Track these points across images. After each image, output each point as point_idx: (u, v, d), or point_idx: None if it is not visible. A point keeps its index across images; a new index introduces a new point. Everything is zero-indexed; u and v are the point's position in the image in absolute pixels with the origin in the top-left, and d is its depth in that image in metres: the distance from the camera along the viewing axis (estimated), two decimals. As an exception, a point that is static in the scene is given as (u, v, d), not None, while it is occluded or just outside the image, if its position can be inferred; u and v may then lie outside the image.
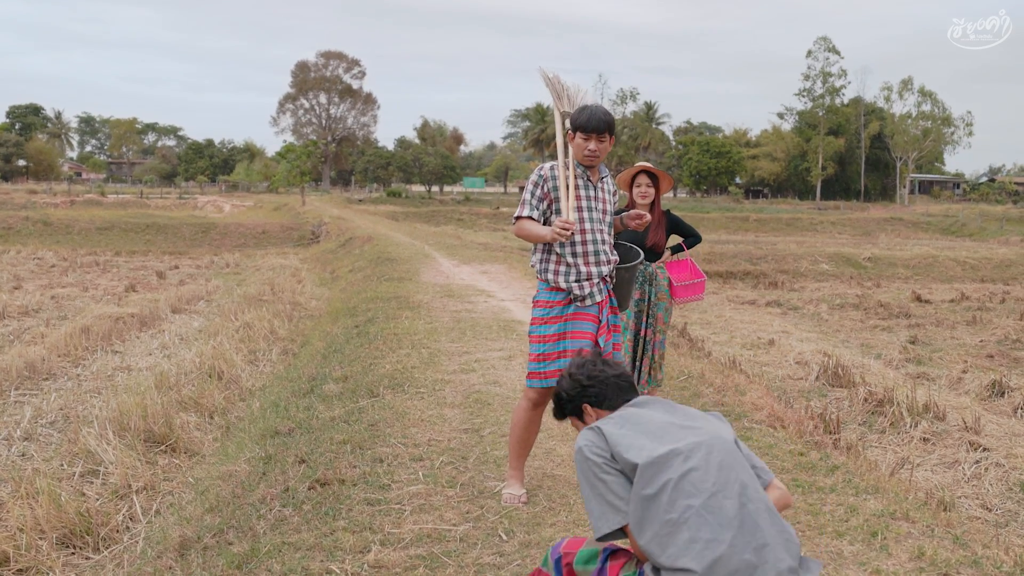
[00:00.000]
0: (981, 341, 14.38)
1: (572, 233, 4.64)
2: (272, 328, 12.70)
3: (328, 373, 8.47)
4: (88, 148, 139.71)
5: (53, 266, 25.60)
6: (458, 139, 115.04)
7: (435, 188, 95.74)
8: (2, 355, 11.08)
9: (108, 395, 8.99)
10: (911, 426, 7.93)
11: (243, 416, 8.21)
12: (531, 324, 4.87)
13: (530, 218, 4.83)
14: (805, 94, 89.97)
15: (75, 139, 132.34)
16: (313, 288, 18.89)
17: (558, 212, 4.83)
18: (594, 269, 4.81)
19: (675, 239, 7.41)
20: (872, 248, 37.49)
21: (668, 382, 7.91)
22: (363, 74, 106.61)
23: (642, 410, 3.03)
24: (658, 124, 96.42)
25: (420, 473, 5.27)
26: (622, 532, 2.80)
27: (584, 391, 3.15)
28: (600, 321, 4.82)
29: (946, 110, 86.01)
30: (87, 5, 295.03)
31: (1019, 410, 9.05)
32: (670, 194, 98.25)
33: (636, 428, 2.89)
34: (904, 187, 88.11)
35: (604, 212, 4.93)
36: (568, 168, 4.82)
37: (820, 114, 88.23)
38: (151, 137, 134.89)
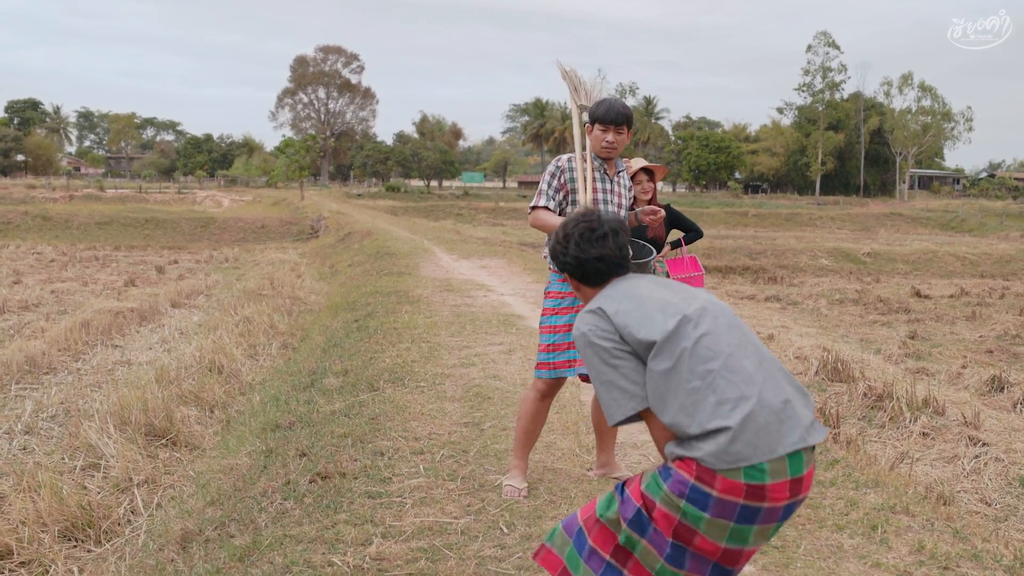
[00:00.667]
0: (980, 336, 14.40)
1: None
2: (272, 322, 12.71)
3: (328, 367, 8.48)
4: (87, 143, 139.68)
5: (52, 261, 25.61)
6: (457, 134, 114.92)
7: (434, 183, 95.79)
8: (2, 349, 11.09)
9: (109, 389, 9.00)
10: (910, 421, 7.93)
11: (243, 410, 8.22)
12: (542, 315, 4.87)
13: (546, 208, 4.85)
14: (805, 89, 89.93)
15: (73, 134, 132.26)
16: (312, 283, 18.89)
17: (574, 203, 4.85)
18: None
19: (675, 234, 7.42)
20: (872, 243, 37.52)
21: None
22: (362, 68, 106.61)
23: (634, 283, 2.91)
24: (657, 119, 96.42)
25: (421, 466, 5.28)
26: (636, 417, 2.74)
27: (564, 265, 3.01)
28: None
29: (946, 105, 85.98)
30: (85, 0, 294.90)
31: (1018, 405, 9.06)
32: (669, 189, 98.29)
33: (638, 305, 2.78)
34: (904, 182, 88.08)
35: (619, 206, 4.96)
36: (586, 160, 4.84)
37: (820, 109, 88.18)
38: (150, 132, 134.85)
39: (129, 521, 5.77)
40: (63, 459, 6.80)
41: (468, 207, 58.19)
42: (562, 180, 4.86)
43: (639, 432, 6.26)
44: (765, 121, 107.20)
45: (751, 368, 2.66)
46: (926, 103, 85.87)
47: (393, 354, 8.56)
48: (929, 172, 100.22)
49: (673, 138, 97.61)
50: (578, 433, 5.93)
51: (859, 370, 10.06)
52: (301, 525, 4.47)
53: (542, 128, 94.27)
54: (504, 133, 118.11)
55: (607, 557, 2.77)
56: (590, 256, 2.94)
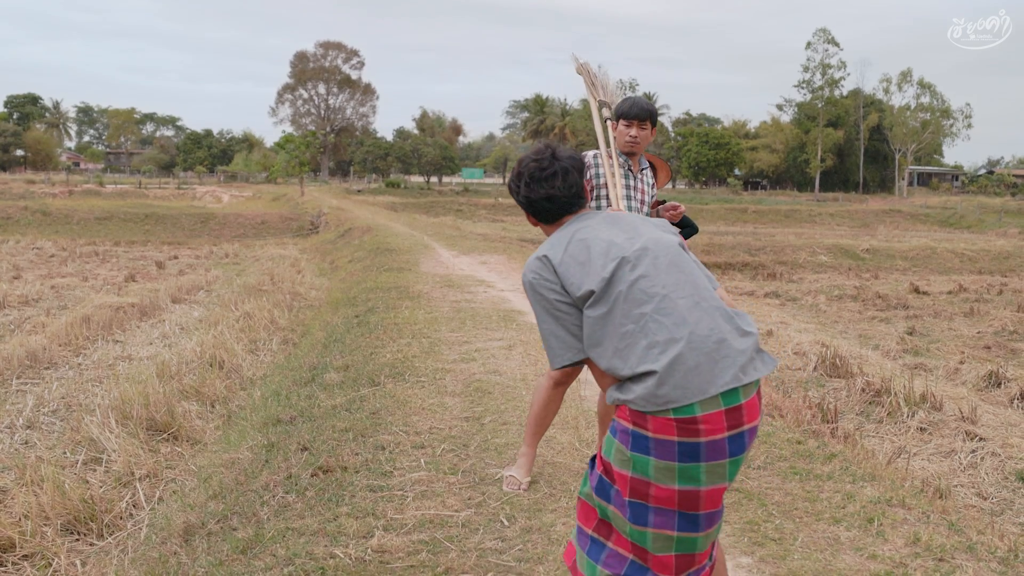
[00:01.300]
0: (978, 332, 14.44)
1: None
2: (272, 318, 12.74)
3: (329, 362, 8.52)
4: (86, 138, 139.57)
5: (52, 256, 25.63)
6: (457, 130, 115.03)
7: (434, 179, 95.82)
8: (3, 344, 11.12)
9: (110, 384, 9.03)
10: (908, 416, 7.97)
11: (244, 405, 8.26)
12: None
13: None
14: (804, 86, 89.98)
15: (73, 129, 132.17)
16: (313, 278, 18.92)
17: (597, 199, 4.90)
18: None
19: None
20: (870, 240, 37.56)
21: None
22: (362, 64, 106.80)
23: (588, 229, 2.89)
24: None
25: (422, 460, 5.32)
26: (580, 364, 2.79)
27: (517, 203, 3.05)
28: None
29: (945, 102, 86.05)
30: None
31: (1015, 400, 9.10)
32: (669, 185, 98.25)
33: (583, 251, 2.79)
34: (903, 179, 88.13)
35: (642, 203, 5.04)
36: (611, 157, 4.89)
37: (819, 106, 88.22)
38: (149, 127, 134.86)
39: (131, 515, 5.79)
40: (65, 453, 6.83)
41: (468, 203, 58.21)
42: (588, 176, 4.89)
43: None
44: (765, 118, 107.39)
45: (685, 309, 2.66)
46: (925, 100, 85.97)
47: (394, 349, 8.59)
48: (928, 169, 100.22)
49: (673, 134, 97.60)
50: (578, 427, 5.97)
51: (857, 366, 10.11)
52: (303, 518, 4.51)
53: (542, 124, 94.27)
54: (504, 129, 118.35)
55: (590, 532, 2.80)
56: (539, 196, 2.96)
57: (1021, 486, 6.46)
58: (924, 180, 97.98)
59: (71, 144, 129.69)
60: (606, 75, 5.26)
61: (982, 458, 7.01)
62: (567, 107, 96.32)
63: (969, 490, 6.46)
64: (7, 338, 11.80)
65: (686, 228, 7.38)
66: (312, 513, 4.56)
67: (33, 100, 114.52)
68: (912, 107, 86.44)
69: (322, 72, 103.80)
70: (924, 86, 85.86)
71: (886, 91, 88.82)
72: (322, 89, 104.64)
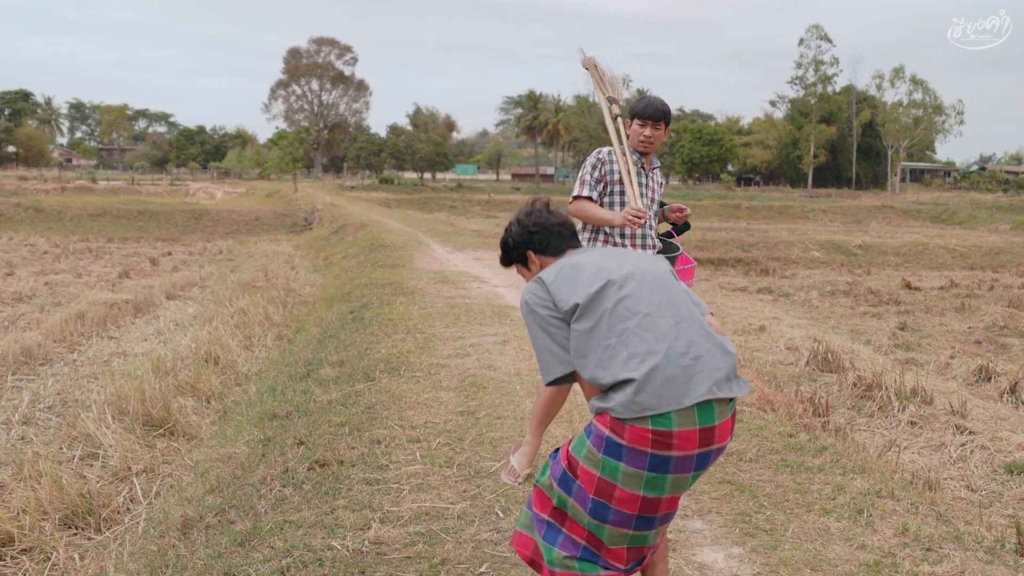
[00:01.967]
0: (969, 327, 14.52)
1: (644, 222, 4.72)
2: (267, 314, 12.77)
3: (324, 358, 8.56)
4: (78, 134, 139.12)
5: (45, 252, 25.59)
6: (450, 126, 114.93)
7: (427, 175, 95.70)
8: (-2, 340, 11.13)
9: (105, 380, 9.06)
10: (899, 410, 8.03)
11: (240, 400, 8.30)
12: None
13: (589, 199, 4.93)
14: (797, 82, 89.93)
15: (65, 125, 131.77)
16: (307, 274, 18.94)
17: (611, 195, 4.94)
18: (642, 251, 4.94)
19: (663, 226, 7.48)
20: (863, 236, 37.64)
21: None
22: (355, 60, 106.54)
23: (582, 256, 3.12)
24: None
25: (417, 454, 5.37)
26: (570, 378, 2.95)
27: (530, 238, 3.21)
28: None
29: (937, 99, 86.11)
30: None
31: (1005, 394, 9.16)
32: (662, 181, 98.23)
33: (574, 273, 2.99)
34: (895, 175, 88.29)
35: (652, 200, 5.09)
36: (626, 155, 4.91)
37: (812, 102, 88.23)
38: (142, 123, 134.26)
39: (128, 509, 5.83)
40: (61, 449, 6.85)
41: (462, 199, 58.20)
42: (602, 172, 4.94)
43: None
44: (758, 114, 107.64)
45: (666, 326, 2.86)
46: (917, 96, 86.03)
47: (388, 345, 8.64)
48: (920, 165, 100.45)
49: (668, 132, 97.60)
50: (571, 421, 6.02)
51: (849, 360, 10.17)
52: (300, 511, 4.56)
53: (535, 120, 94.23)
54: (498, 125, 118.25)
55: (546, 517, 2.97)
56: (553, 222, 3.22)
57: (1010, 479, 6.52)
58: (916, 176, 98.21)
59: (63, 140, 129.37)
60: (611, 70, 5.28)
61: (972, 451, 7.08)
62: (560, 103, 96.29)
63: (959, 483, 6.52)
64: (2, 335, 11.81)
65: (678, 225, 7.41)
66: (309, 506, 4.61)
67: (25, 96, 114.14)
68: (905, 103, 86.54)
69: (315, 68, 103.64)
70: (917, 82, 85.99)
71: (879, 87, 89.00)
72: (315, 85, 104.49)
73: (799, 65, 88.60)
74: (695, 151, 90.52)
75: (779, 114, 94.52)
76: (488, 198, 58.76)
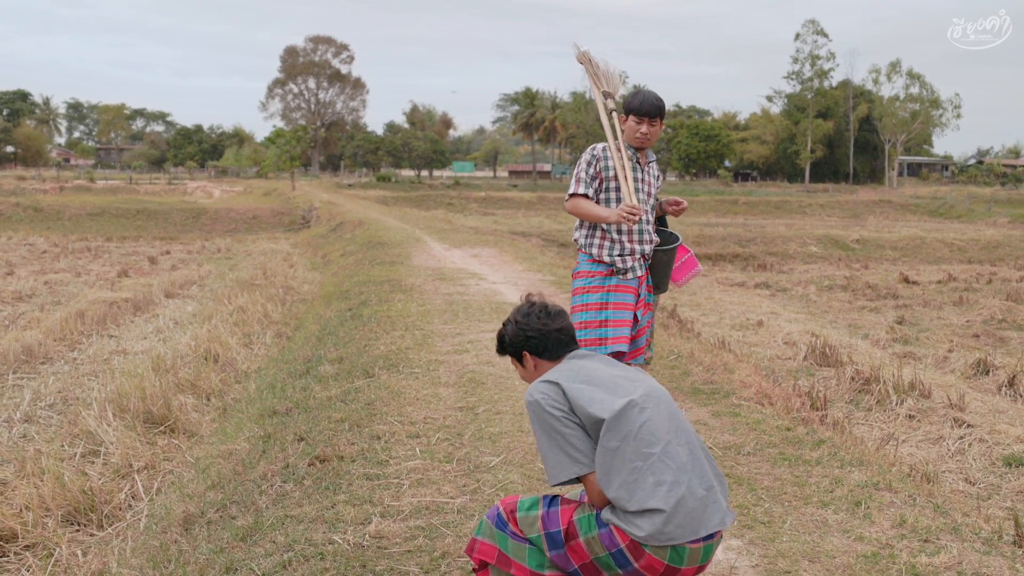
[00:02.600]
0: (967, 321, 14.56)
1: (639, 218, 4.74)
2: (266, 312, 12.80)
3: (323, 355, 8.58)
4: (76, 134, 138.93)
5: (44, 252, 25.61)
6: (447, 123, 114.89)
7: (424, 172, 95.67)
8: (-2, 339, 11.16)
9: (106, 378, 9.08)
10: (897, 403, 8.07)
11: (240, 397, 8.32)
12: (575, 294, 5.03)
13: (586, 196, 4.95)
14: (794, 77, 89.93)
15: (63, 125, 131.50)
16: (305, 272, 18.97)
17: (606, 191, 4.96)
18: (637, 247, 4.98)
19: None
20: (860, 230, 37.69)
21: (658, 361, 8.04)
22: (352, 59, 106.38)
23: (586, 363, 3.18)
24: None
25: (417, 449, 5.40)
26: (575, 480, 3.01)
27: (527, 341, 3.24)
28: (639, 295, 4.98)
29: (934, 92, 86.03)
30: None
31: (1003, 387, 9.21)
32: (659, 174, 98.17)
33: (590, 382, 3.04)
34: (893, 169, 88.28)
35: (648, 195, 5.10)
36: (620, 151, 4.92)
37: (809, 97, 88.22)
38: (139, 123, 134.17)
39: (130, 506, 5.87)
40: (63, 446, 6.88)
41: (459, 197, 58.14)
42: (598, 168, 4.96)
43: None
44: (755, 109, 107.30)
45: (684, 457, 2.97)
46: (914, 90, 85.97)
47: (387, 341, 8.66)
48: (918, 159, 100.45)
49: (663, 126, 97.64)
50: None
51: (847, 355, 10.22)
52: (301, 506, 4.59)
53: (532, 117, 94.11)
54: (494, 123, 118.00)
55: (521, 535, 3.09)
56: (552, 328, 3.22)
57: (1008, 471, 6.56)
58: (914, 170, 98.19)
59: (61, 140, 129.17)
60: (608, 64, 5.27)
61: (970, 444, 7.12)
62: (557, 100, 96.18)
63: (957, 475, 6.56)
64: (2, 333, 11.84)
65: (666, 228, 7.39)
66: (310, 501, 4.64)
67: (23, 96, 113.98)
68: (901, 98, 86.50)
69: (312, 66, 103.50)
70: (913, 76, 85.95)
71: (875, 82, 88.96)
72: (312, 83, 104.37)
73: (795, 60, 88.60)
74: (692, 147, 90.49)
75: (776, 109, 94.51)
76: (485, 195, 58.68)
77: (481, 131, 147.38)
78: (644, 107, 4.92)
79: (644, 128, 4.93)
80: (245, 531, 4.40)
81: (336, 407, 6.49)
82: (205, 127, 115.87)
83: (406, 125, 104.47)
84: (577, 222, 5.11)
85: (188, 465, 6.49)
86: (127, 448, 6.62)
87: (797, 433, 5.82)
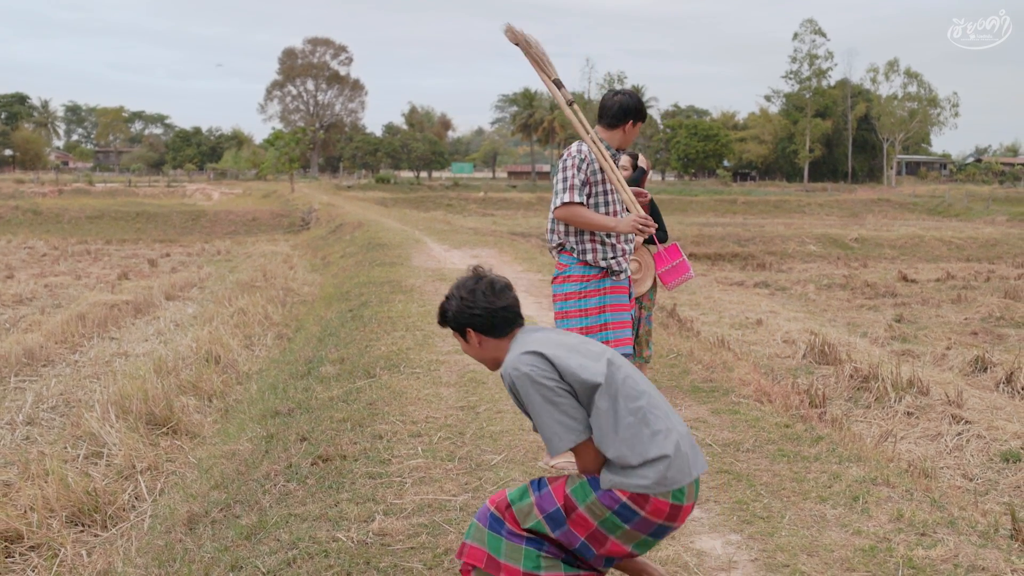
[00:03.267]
0: (965, 319, 14.59)
1: (654, 228, 4.73)
2: (266, 313, 12.84)
3: (324, 356, 8.62)
4: (75, 137, 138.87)
5: (44, 255, 25.65)
6: (446, 124, 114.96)
7: (423, 174, 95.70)
8: (0, 342, 11.19)
9: (108, 380, 9.11)
10: (895, 401, 8.11)
11: (241, 399, 8.36)
12: (566, 299, 4.91)
13: (582, 204, 4.77)
14: (792, 76, 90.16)
15: (61, 128, 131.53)
16: (305, 274, 19.00)
17: (595, 195, 4.83)
18: (626, 246, 4.97)
19: None
20: (859, 229, 37.72)
21: (658, 360, 8.09)
22: (350, 60, 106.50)
23: (547, 334, 3.19)
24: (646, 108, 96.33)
25: (419, 448, 5.44)
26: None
27: (472, 319, 3.20)
28: (630, 294, 5.00)
29: (932, 91, 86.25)
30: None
31: (1001, 384, 9.24)
32: (659, 178, 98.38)
33: (569, 349, 3.07)
34: (891, 168, 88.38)
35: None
36: (600, 150, 4.81)
37: (807, 96, 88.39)
38: (138, 125, 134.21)
39: (134, 506, 5.90)
40: (66, 448, 6.92)
41: (458, 198, 58.18)
42: (587, 172, 4.82)
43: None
44: (753, 109, 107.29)
45: (664, 404, 3.11)
46: (912, 89, 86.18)
47: (388, 342, 8.70)
48: (916, 158, 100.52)
49: (662, 127, 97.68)
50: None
51: (846, 353, 10.25)
52: (305, 505, 4.63)
53: (531, 118, 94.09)
54: (493, 123, 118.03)
55: (525, 534, 3.09)
56: (498, 306, 3.19)
57: (1005, 467, 6.60)
58: (912, 169, 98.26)
59: (59, 143, 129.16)
60: (539, 46, 4.92)
61: (968, 440, 7.16)
62: (555, 101, 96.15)
63: (955, 472, 6.60)
64: (3, 336, 11.88)
65: (659, 231, 7.42)
66: (314, 500, 4.68)
67: (21, 99, 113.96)
68: (899, 96, 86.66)
69: (311, 68, 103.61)
70: (911, 75, 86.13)
71: (873, 81, 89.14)
72: (311, 85, 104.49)
73: (794, 59, 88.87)
74: (691, 147, 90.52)
75: (774, 109, 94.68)
76: (484, 196, 58.72)
77: (480, 132, 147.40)
78: (644, 112, 4.94)
79: (636, 132, 4.93)
80: (249, 530, 4.44)
81: (338, 407, 6.53)
82: (204, 129, 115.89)
83: (405, 126, 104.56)
84: (563, 228, 4.94)
85: (191, 466, 6.52)
86: (130, 449, 6.65)
87: (796, 430, 5.86)
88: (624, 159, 6.78)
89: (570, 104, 4.87)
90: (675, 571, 3.81)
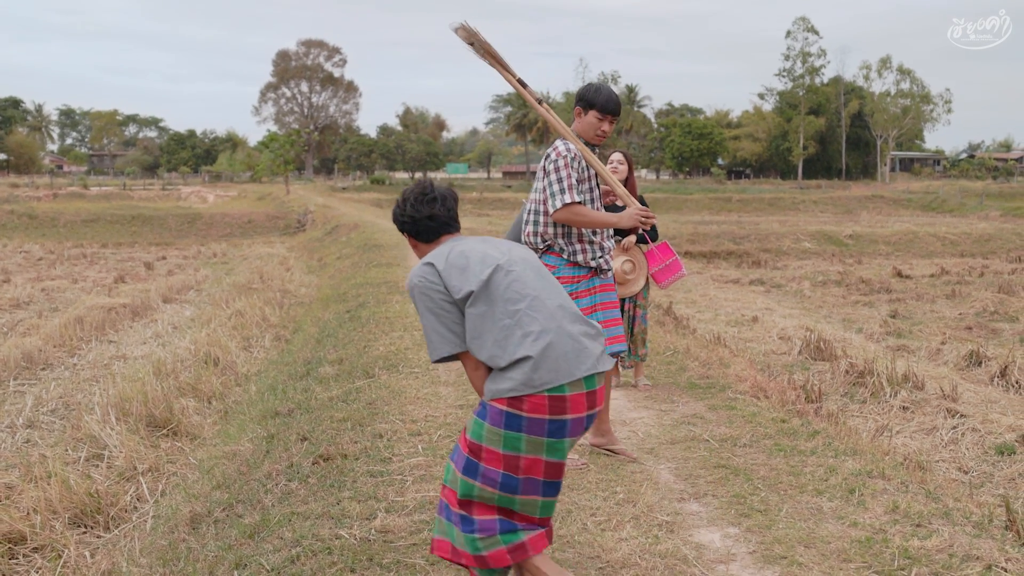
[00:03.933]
0: (960, 314, 14.66)
1: (655, 219, 4.78)
2: (264, 315, 12.87)
3: (323, 356, 8.66)
4: (69, 141, 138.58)
5: (40, 259, 25.65)
6: (440, 125, 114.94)
7: (419, 175, 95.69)
8: (-1, 346, 11.22)
9: (107, 383, 9.14)
10: (891, 395, 8.16)
11: (241, 400, 8.40)
12: None
13: (581, 203, 4.74)
14: (785, 74, 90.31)
15: (55, 132, 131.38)
16: (302, 276, 19.04)
17: (580, 193, 4.79)
18: (609, 243, 5.01)
19: None
20: (854, 226, 37.81)
21: (654, 357, 8.14)
22: (344, 62, 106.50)
23: (465, 244, 3.31)
24: (639, 107, 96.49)
25: (419, 446, 5.49)
26: (454, 358, 3.19)
27: (403, 226, 3.42)
28: (614, 290, 5.05)
29: (925, 88, 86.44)
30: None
31: (995, 378, 9.30)
32: (653, 176, 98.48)
33: (463, 261, 3.19)
34: (885, 165, 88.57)
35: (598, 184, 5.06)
36: (577, 140, 4.79)
37: (800, 94, 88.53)
38: (132, 129, 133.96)
39: (136, 508, 5.93)
40: (67, 451, 6.95)
41: (453, 198, 58.10)
42: (579, 170, 4.80)
43: (628, 410, 6.49)
44: (747, 107, 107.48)
45: (552, 307, 3.17)
46: (905, 86, 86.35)
47: (386, 342, 8.75)
48: (910, 154, 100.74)
49: (656, 125, 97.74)
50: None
51: (841, 349, 10.31)
52: (307, 503, 4.68)
53: (525, 118, 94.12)
54: (487, 124, 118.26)
55: (457, 511, 3.16)
56: (422, 215, 3.37)
57: (1000, 460, 6.66)
58: (906, 165, 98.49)
59: (54, 147, 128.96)
60: (487, 42, 4.75)
61: (963, 434, 7.21)
62: (549, 100, 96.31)
63: (950, 465, 6.66)
64: (2, 340, 11.90)
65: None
66: (316, 498, 4.73)
67: (15, 103, 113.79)
68: (892, 93, 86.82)
69: (305, 70, 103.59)
70: (904, 72, 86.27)
71: (866, 78, 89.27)
72: (305, 87, 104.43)
73: (787, 57, 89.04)
74: (685, 145, 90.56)
75: (768, 107, 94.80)
76: (479, 196, 58.76)
77: (474, 132, 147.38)
78: (610, 106, 4.81)
79: (606, 126, 4.82)
80: (252, 528, 4.48)
81: (338, 407, 6.57)
82: (198, 132, 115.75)
83: (399, 127, 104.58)
84: (556, 229, 4.86)
85: (192, 467, 6.56)
86: (131, 451, 6.69)
87: (792, 425, 5.92)
88: (616, 156, 6.85)
89: (540, 103, 4.85)
90: (674, 564, 3.86)
